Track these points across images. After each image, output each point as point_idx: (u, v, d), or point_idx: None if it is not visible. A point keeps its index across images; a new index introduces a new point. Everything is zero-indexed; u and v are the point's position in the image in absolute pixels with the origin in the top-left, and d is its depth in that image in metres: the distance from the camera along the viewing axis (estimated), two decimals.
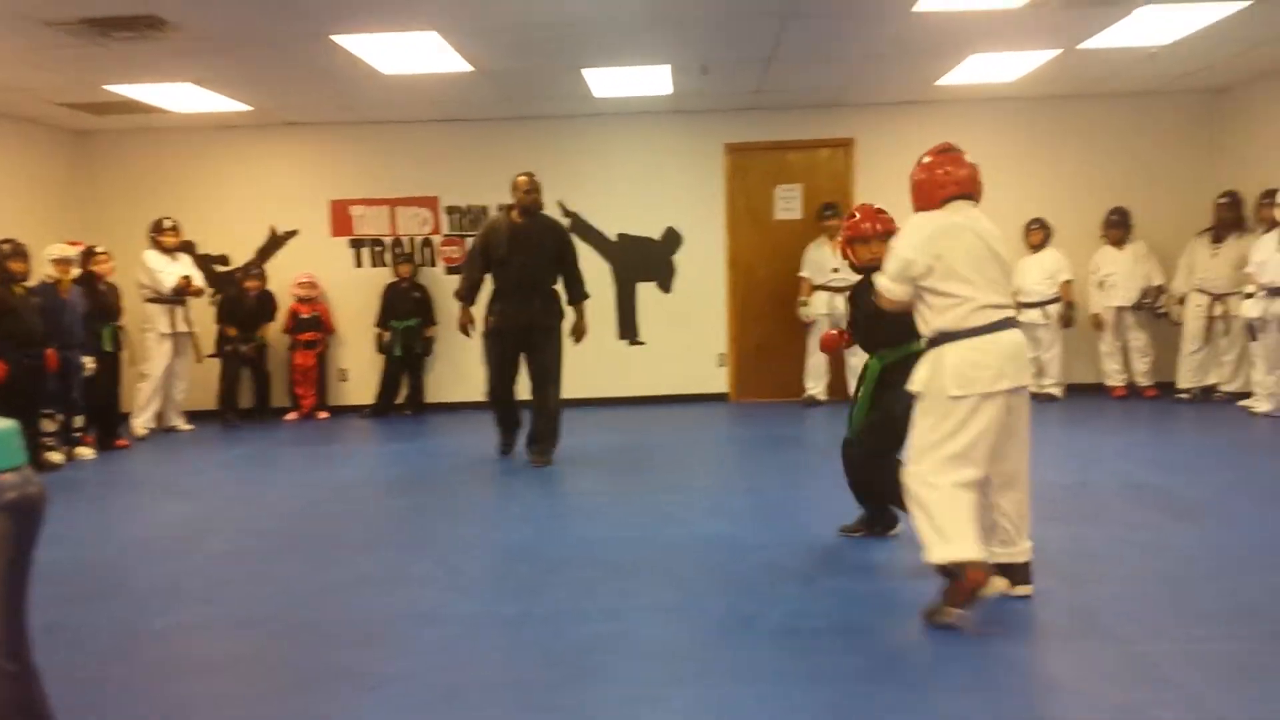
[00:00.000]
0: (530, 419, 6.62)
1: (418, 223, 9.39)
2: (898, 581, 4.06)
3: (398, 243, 9.38)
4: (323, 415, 9.25)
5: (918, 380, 3.62)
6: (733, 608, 3.80)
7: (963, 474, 3.48)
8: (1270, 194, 7.58)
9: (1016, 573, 3.73)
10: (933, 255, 3.55)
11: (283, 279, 9.23)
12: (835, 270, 8.78)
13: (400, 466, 7.04)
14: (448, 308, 9.06)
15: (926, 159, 3.79)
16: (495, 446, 6.81)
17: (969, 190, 3.71)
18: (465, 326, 6.61)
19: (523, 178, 6.44)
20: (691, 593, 4.02)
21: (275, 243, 9.40)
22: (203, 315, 8.88)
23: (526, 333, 6.43)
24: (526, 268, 6.42)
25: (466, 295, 6.58)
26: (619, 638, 3.54)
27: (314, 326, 9.19)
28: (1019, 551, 3.75)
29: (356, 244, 9.41)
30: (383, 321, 9.16)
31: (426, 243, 9.41)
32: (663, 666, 3.30)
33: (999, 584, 3.51)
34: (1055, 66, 7.71)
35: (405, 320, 9.12)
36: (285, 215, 9.41)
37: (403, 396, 9.31)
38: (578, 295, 6.65)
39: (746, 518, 5.15)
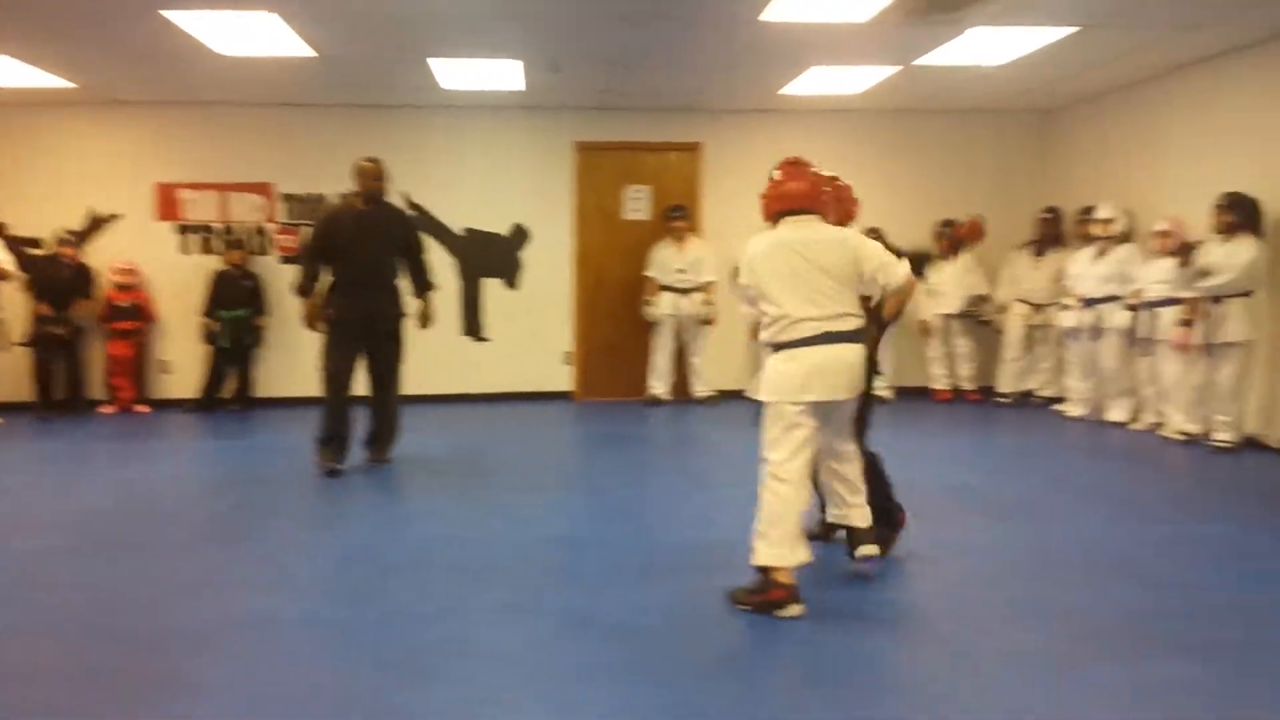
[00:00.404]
0: (368, 418, 6.33)
1: (251, 209, 9.01)
2: (737, 578, 4.11)
3: (229, 229, 8.97)
4: (142, 409, 8.75)
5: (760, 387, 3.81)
6: (572, 607, 3.76)
7: (792, 466, 3.69)
8: (1088, 211, 8.07)
9: (859, 536, 4.00)
10: (755, 277, 3.77)
11: (101, 265, 8.70)
12: (681, 271, 8.89)
13: (226, 464, 6.73)
14: (281, 298, 8.75)
15: (773, 173, 3.93)
16: (317, 465, 6.04)
17: (801, 204, 3.84)
18: (313, 322, 6.11)
19: (370, 163, 6.13)
20: (531, 593, 3.96)
21: (94, 225, 8.84)
22: (12, 300, 8.29)
23: (370, 328, 6.12)
24: (372, 259, 6.13)
25: (307, 288, 6.11)
26: (457, 640, 3.46)
27: (132, 315, 8.69)
28: (856, 515, 4.01)
29: (184, 229, 8.96)
30: (210, 311, 8.72)
31: (260, 230, 9.03)
32: (501, 668, 3.24)
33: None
34: (895, 81, 8.00)
35: (234, 310, 8.73)
36: (107, 198, 8.87)
37: (230, 390, 8.91)
38: (424, 286, 6.41)
39: (588, 517, 5.13)
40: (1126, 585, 3.98)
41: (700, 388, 9.10)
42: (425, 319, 6.40)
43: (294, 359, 8.72)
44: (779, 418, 3.70)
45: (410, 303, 6.34)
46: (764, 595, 3.64)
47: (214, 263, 8.85)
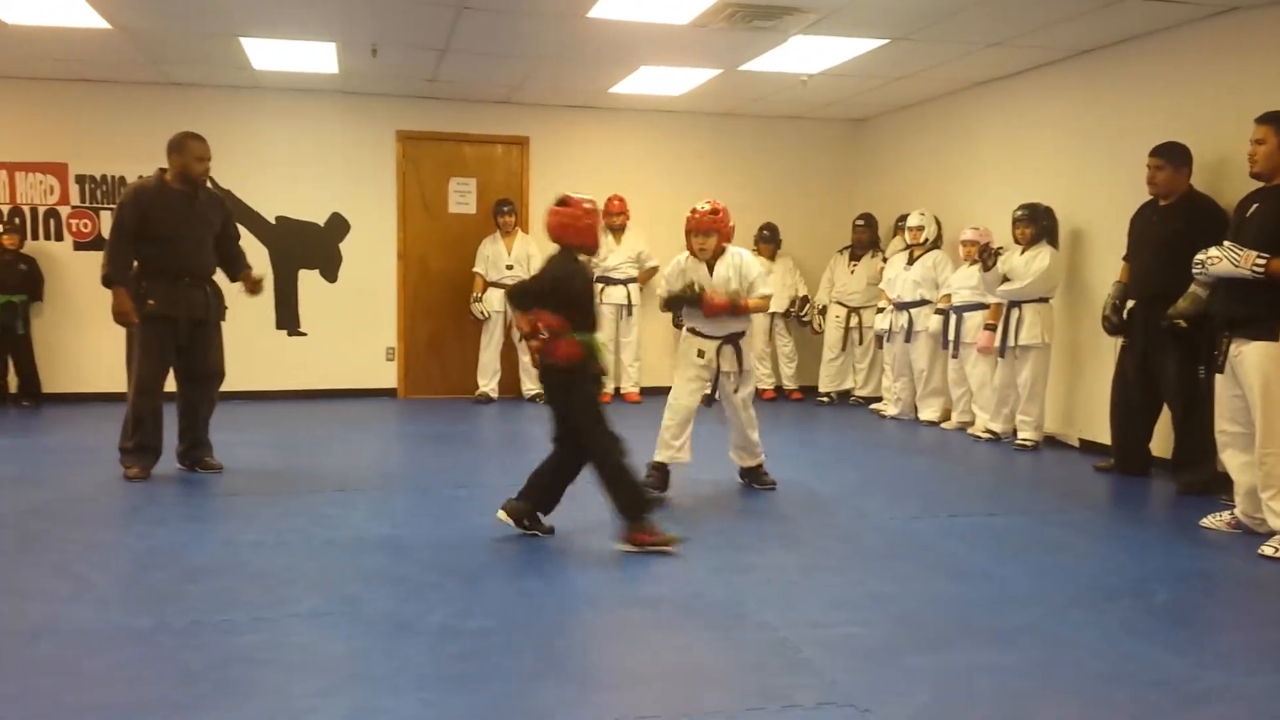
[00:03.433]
0: (185, 420, 5.81)
1: (43, 191, 8.35)
2: (565, 577, 4.07)
3: (17, 212, 8.29)
4: None
5: None
6: (392, 611, 3.62)
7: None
8: (903, 218, 8.41)
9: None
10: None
11: None
12: (510, 268, 8.77)
13: (12, 463, 6.20)
14: (73, 287, 8.18)
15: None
16: (125, 472, 5.59)
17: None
18: (131, 315, 5.41)
19: (197, 141, 5.54)
20: (348, 597, 3.79)
21: None
22: None
23: (191, 323, 5.59)
24: (195, 247, 5.59)
25: (119, 277, 5.41)
26: (266, 647, 3.27)
27: None
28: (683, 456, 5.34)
29: None
30: None
31: (53, 213, 8.38)
32: (313, 677, 3.07)
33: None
34: (718, 85, 8.14)
35: (8, 295, 8.07)
36: None
37: (15, 385, 8.24)
38: (242, 268, 5.93)
39: (410, 518, 4.97)
40: (935, 575, 4.15)
41: (530, 386, 9.01)
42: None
43: (83, 352, 8.17)
44: None
45: (228, 291, 5.93)
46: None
47: None
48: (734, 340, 5.33)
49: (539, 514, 4.56)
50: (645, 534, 4.30)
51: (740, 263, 5.26)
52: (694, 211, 5.26)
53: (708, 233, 5.20)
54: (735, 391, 5.42)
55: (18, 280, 8.12)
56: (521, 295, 4.51)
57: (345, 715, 2.80)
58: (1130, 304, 5.92)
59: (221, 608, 3.63)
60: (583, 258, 4.57)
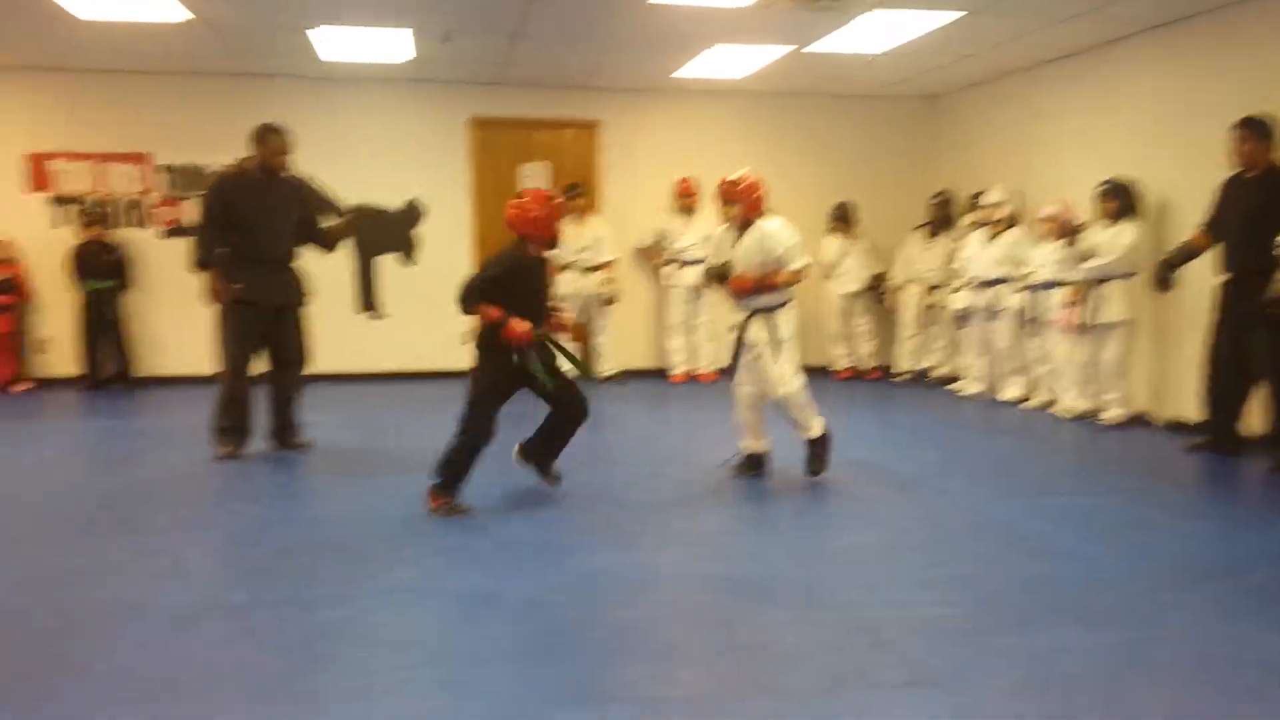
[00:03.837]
0: (274, 402, 5.97)
1: (129, 181, 8.59)
2: (643, 555, 4.09)
3: (103, 202, 8.55)
4: (21, 387, 8.32)
5: None
6: (473, 587, 3.67)
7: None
8: (978, 195, 8.25)
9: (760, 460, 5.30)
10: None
11: None
12: (581, 250, 8.81)
13: (109, 444, 6.42)
14: (158, 272, 8.44)
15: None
16: (216, 452, 5.74)
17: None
18: (222, 295, 5.60)
19: (277, 132, 5.72)
20: (430, 572, 3.86)
21: None
22: None
23: (274, 308, 5.76)
24: (278, 235, 5.77)
25: (209, 260, 5.61)
26: (353, 623, 3.34)
27: (6, 290, 8.23)
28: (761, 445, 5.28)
29: (60, 201, 8.50)
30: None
31: (136, 203, 8.62)
32: (401, 650, 3.14)
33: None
34: (784, 65, 8.07)
35: (97, 283, 8.35)
36: None
37: (111, 369, 8.52)
38: (328, 242, 6.14)
39: (490, 495, 5.03)
40: (1020, 556, 4.07)
41: (605, 366, 9.05)
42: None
43: (170, 336, 8.42)
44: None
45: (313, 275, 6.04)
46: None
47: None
48: (763, 313, 5.20)
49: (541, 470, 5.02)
50: (440, 500, 4.62)
51: (762, 235, 5.14)
52: (720, 180, 5.30)
53: (729, 202, 5.20)
54: (765, 363, 5.21)
55: (107, 268, 8.39)
56: (462, 299, 4.62)
57: (434, 687, 2.85)
58: (1220, 279, 5.76)
59: (310, 583, 3.72)
60: (547, 253, 4.78)
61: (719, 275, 5.30)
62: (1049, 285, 7.31)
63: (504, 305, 4.52)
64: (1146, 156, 6.88)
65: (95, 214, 8.46)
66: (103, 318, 8.38)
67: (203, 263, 5.64)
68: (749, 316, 5.21)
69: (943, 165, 9.54)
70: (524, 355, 4.60)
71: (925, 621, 3.34)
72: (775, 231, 5.14)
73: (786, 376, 5.17)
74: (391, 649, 3.15)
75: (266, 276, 5.73)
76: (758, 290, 5.14)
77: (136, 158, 8.60)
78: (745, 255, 5.15)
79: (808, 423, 5.26)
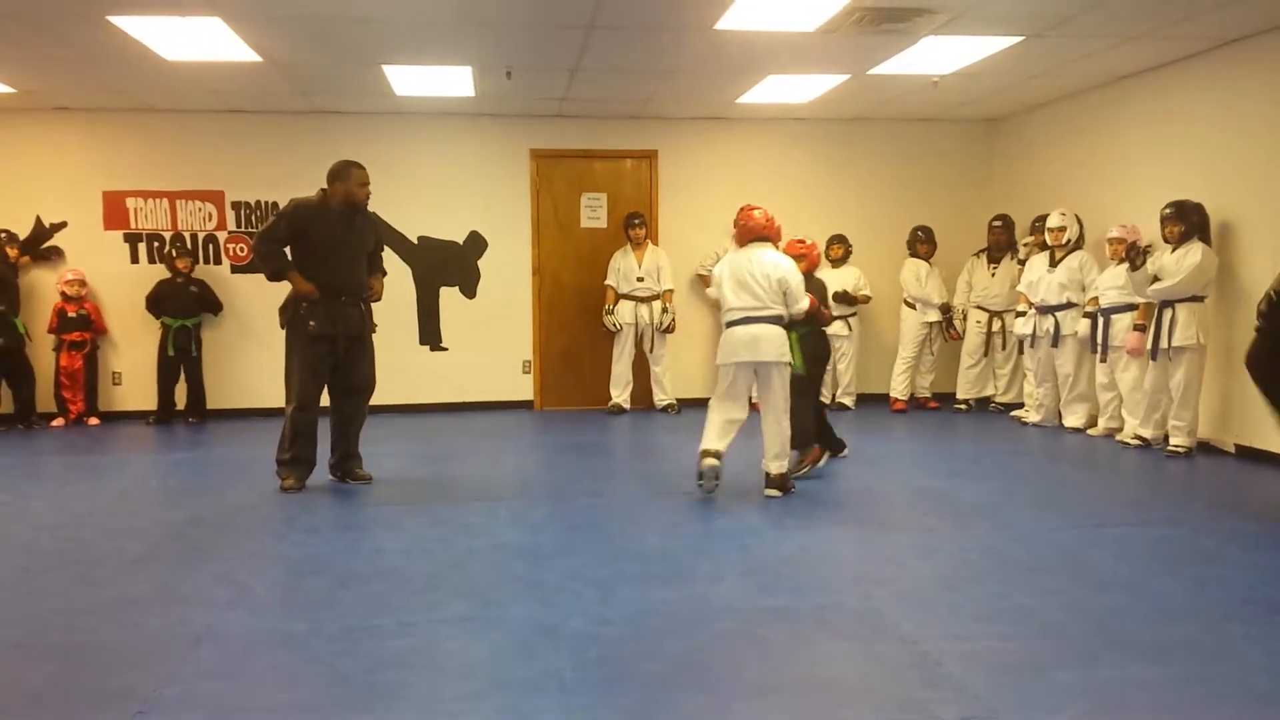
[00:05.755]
0: (338, 433, 6.07)
1: (202, 218, 8.87)
2: (699, 586, 4.09)
3: (179, 238, 8.82)
4: (93, 421, 8.59)
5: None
6: (532, 617, 3.71)
7: (724, 412, 5.52)
8: (1041, 219, 8.16)
9: (771, 481, 5.53)
10: (718, 279, 5.66)
11: (48, 275, 8.57)
12: (640, 280, 8.87)
13: (177, 477, 6.59)
14: (227, 306, 8.70)
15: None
16: (281, 484, 5.88)
17: (757, 235, 5.64)
18: (310, 291, 5.69)
19: (361, 170, 5.82)
20: (490, 603, 3.91)
21: (43, 234, 8.68)
22: None
23: (348, 339, 5.84)
24: (352, 266, 5.86)
25: (284, 265, 5.73)
26: (415, 651, 3.40)
27: (82, 326, 8.52)
28: (771, 465, 5.54)
29: (133, 238, 8.80)
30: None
31: (211, 238, 8.89)
32: (460, 680, 3.18)
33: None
34: (847, 90, 8.06)
35: (184, 319, 8.60)
36: (53, 206, 8.71)
37: (183, 401, 8.76)
38: (376, 270, 6.13)
39: (548, 526, 5.08)
40: (1084, 588, 4.01)
41: (662, 396, 9.08)
42: (376, 291, 6.07)
43: (240, 369, 8.64)
44: (720, 372, 5.61)
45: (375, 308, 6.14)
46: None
47: (163, 272, 8.72)
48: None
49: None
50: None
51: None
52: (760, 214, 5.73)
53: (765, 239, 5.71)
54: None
55: (193, 303, 8.64)
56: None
57: (495, 716, 2.89)
58: None
59: (371, 613, 3.79)
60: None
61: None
62: (1116, 309, 7.20)
63: None
64: (1210, 177, 6.75)
65: (182, 249, 8.71)
66: (182, 352, 8.60)
67: (276, 274, 5.76)
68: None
69: (1003, 189, 9.45)
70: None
71: (986, 654, 3.31)
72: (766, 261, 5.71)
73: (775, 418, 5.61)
74: (452, 678, 3.20)
75: (342, 308, 5.82)
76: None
77: (211, 195, 8.86)
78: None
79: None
